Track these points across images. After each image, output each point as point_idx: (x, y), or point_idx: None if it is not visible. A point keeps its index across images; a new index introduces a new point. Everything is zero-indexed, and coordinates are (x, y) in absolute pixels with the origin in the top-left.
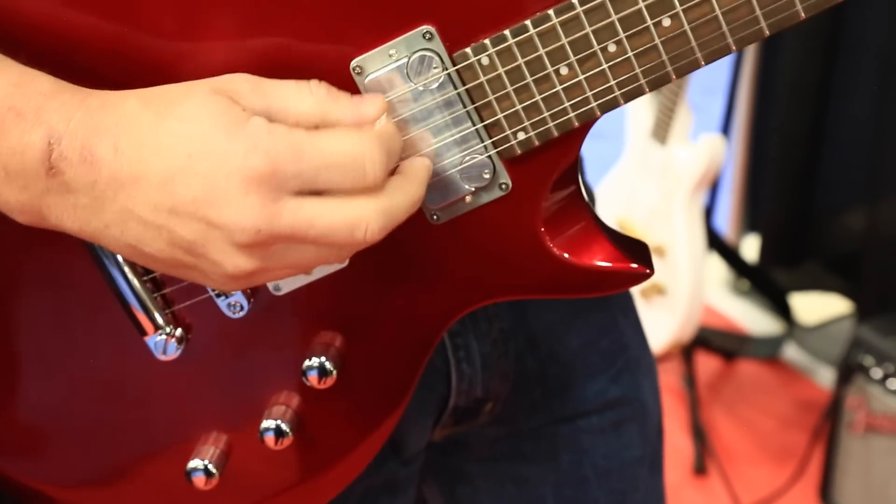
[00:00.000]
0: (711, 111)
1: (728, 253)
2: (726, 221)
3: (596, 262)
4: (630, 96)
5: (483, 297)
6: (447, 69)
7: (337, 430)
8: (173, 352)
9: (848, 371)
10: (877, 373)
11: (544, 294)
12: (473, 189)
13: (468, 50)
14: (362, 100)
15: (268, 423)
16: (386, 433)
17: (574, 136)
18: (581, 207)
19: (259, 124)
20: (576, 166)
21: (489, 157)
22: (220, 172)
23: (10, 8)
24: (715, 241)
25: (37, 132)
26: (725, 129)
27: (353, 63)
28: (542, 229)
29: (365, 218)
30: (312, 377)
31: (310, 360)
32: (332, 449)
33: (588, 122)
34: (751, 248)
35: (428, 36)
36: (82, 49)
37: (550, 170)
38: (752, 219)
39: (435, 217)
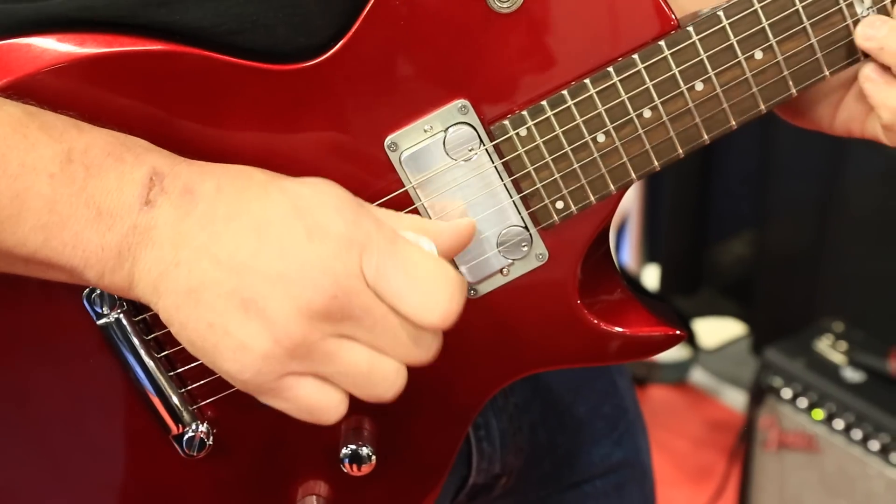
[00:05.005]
0: None
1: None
2: (627, 253)
3: (636, 330)
4: (666, 161)
5: (520, 370)
6: (484, 143)
7: None
8: (201, 449)
9: (759, 393)
10: (787, 393)
11: (579, 363)
12: (511, 262)
13: (506, 122)
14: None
15: None
16: None
17: (609, 201)
18: (611, 271)
19: (369, 231)
20: (607, 230)
21: (527, 228)
22: (313, 258)
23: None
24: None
25: (139, 171)
26: None
27: (388, 140)
28: (578, 296)
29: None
30: (350, 465)
31: (346, 447)
32: None
33: (625, 187)
34: (651, 277)
35: (463, 109)
36: None
37: (586, 235)
38: (651, 250)
39: (472, 292)
